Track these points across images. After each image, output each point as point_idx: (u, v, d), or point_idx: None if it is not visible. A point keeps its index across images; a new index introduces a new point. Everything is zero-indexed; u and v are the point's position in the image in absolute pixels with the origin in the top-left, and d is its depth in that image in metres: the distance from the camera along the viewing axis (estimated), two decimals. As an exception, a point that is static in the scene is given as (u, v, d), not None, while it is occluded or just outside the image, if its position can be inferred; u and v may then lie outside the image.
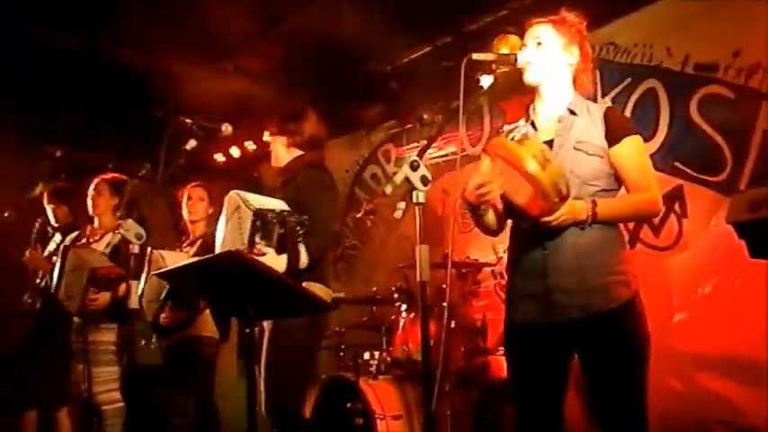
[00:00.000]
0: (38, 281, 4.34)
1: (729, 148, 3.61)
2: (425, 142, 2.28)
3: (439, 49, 4.75)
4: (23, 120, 5.01)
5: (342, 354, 4.33)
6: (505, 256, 2.80)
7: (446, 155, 4.80)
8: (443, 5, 4.30)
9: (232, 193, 2.94)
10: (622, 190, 2.32)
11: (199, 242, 3.96)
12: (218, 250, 2.90)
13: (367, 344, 4.32)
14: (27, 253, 4.35)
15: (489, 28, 4.33)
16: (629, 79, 4.05)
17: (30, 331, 4.36)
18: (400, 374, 4.01)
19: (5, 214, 4.95)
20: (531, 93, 2.39)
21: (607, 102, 2.92)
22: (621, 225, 2.39)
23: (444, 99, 4.79)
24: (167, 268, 2.59)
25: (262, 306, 2.36)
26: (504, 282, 3.58)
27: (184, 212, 4.08)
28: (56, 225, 4.51)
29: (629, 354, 2.20)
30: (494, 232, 2.45)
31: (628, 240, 3.66)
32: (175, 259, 3.46)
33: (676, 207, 3.79)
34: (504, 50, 2.33)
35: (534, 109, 2.39)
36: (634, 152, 2.27)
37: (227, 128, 3.22)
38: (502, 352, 3.45)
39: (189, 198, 4.07)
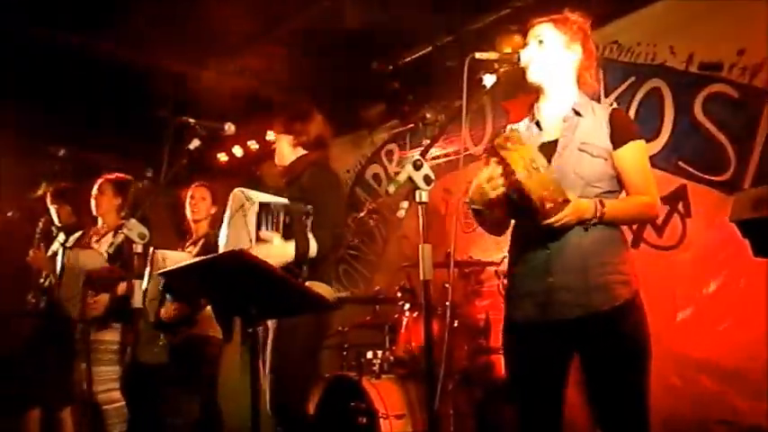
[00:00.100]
0: (41, 281, 4.35)
1: (733, 148, 3.59)
2: (428, 142, 2.28)
3: (441, 49, 4.75)
4: (24, 120, 5.02)
5: (345, 353, 4.34)
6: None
7: (448, 154, 4.79)
8: (446, 4, 4.29)
9: (236, 190, 2.94)
10: (623, 192, 2.32)
11: (201, 242, 3.96)
12: (221, 249, 2.90)
13: (370, 343, 4.32)
14: (31, 253, 4.35)
15: (492, 27, 4.34)
16: (632, 78, 4.03)
17: (34, 331, 4.35)
18: (403, 374, 4.01)
19: (9, 214, 4.96)
20: (534, 92, 2.39)
21: (612, 103, 2.92)
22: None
23: (447, 98, 4.79)
24: (170, 268, 2.59)
25: (265, 305, 2.35)
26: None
27: (187, 212, 4.09)
28: (59, 225, 4.50)
29: (629, 353, 2.19)
30: (498, 232, 2.45)
31: (631, 240, 3.66)
32: (177, 259, 3.46)
33: (680, 207, 3.77)
34: (508, 49, 2.33)
35: (539, 108, 2.39)
36: (637, 156, 2.28)
37: (229, 127, 3.21)
38: (503, 351, 3.45)
39: (192, 198, 4.08)
